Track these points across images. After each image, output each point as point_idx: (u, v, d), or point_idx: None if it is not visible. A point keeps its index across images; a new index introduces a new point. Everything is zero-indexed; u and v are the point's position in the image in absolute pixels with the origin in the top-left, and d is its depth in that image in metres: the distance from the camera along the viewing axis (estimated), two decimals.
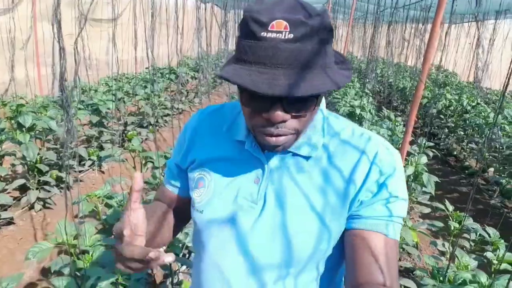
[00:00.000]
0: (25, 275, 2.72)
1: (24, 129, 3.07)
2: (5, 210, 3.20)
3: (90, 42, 5.70)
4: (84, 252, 1.75)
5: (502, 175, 4.19)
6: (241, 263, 0.78)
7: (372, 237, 0.73)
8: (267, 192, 0.78)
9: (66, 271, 1.70)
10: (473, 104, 5.42)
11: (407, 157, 2.76)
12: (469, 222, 2.40)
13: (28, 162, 3.29)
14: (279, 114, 0.67)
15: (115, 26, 4.99)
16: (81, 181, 4.09)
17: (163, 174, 2.61)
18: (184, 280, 2.44)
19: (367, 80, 6.21)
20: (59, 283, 1.51)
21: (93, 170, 4.40)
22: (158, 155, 2.45)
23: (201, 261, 0.85)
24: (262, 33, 0.63)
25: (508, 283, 1.29)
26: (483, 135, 4.48)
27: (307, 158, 0.79)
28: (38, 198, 3.34)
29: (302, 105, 0.68)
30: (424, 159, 2.71)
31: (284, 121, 0.69)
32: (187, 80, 7.78)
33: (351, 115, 4.55)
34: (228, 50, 6.55)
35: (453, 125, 5.78)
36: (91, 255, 1.73)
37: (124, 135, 4.90)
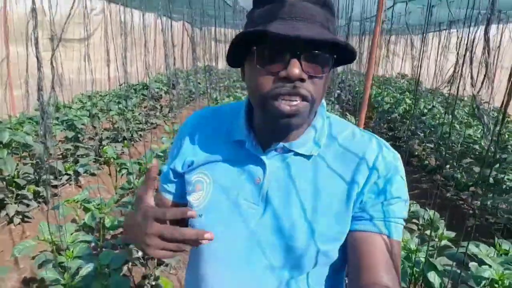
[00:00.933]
0: (6, 286, 2.83)
1: (1, 145, 3.20)
2: None
3: (62, 61, 5.84)
4: (66, 248, 1.92)
5: (457, 170, 4.55)
6: (245, 268, 0.77)
7: (375, 239, 0.73)
8: (269, 192, 0.77)
9: (49, 266, 1.86)
10: (429, 107, 5.84)
11: None
12: (417, 208, 2.69)
13: (6, 177, 3.40)
14: (297, 69, 0.66)
15: (87, 46, 5.18)
16: (58, 195, 4.20)
17: (137, 179, 2.80)
18: (161, 276, 2.61)
19: (331, 88, 6.57)
20: (44, 273, 1.68)
21: (70, 184, 4.51)
22: (131, 162, 2.64)
23: (199, 268, 0.83)
24: None
25: (427, 247, 1.56)
26: (437, 135, 4.86)
27: (308, 157, 0.78)
28: (17, 212, 3.44)
29: (318, 64, 0.68)
30: None
31: (301, 80, 0.67)
32: (161, 95, 7.97)
33: None
34: (198, 66, 6.79)
35: (413, 127, 6.18)
36: (72, 251, 1.90)
37: (99, 150, 5.04)
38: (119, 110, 5.38)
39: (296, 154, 0.78)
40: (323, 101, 0.81)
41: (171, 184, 0.92)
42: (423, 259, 1.69)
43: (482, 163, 3.51)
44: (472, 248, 1.64)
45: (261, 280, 0.76)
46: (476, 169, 3.87)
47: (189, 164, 0.86)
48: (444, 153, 5.07)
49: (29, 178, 3.71)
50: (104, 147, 4.84)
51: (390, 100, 6.92)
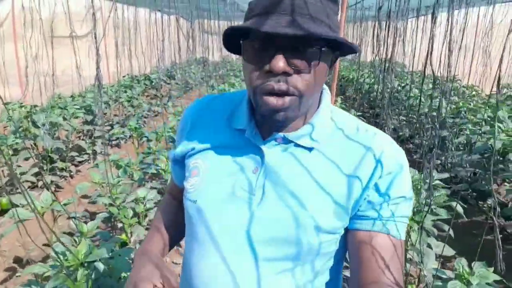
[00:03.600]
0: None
1: (38, 125, 3.88)
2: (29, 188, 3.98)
3: (64, 58, 6.39)
4: (111, 188, 2.62)
5: (424, 138, 5.30)
6: (238, 258, 0.75)
7: (379, 238, 0.72)
8: (266, 183, 0.75)
9: (103, 198, 2.57)
10: (403, 85, 6.57)
11: None
12: None
13: (41, 153, 4.08)
14: (281, 63, 0.65)
15: (98, 43, 5.78)
16: (80, 171, 4.90)
17: (155, 146, 3.50)
18: None
19: None
20: (102, 199, 2.38)
21: (89, 163, 5.20)
22: (150, 132, 3.33)
23: (192, 255, 0.81)
24: None
25: None
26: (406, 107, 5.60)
27: (309, 149, 0.76)
28: (51, 181, 4.12)
29: (304, 58, 0.67)
30: None
31: (286, 74, 0.66)
32: (161, 85, 8.61)
33: None
34: (192, 58, 7.42)
35: (386, 104, 6.91)
36: (116, 190, 2.61)
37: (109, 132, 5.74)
38: (128, 98, 6.05)
39: (297, 145, 0.77)
40: (328, 94, 0.82)
41: (177, 170, 0.95)
42: None
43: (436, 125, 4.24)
44: None
45: (254, 271, 0.74)
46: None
47: (190, 150, 0.86)
48: (415, 124, 5.81)
49: (59, 155, 4.39)
50: (130, 123, 5.54)
51: (370, 81, 7.64)
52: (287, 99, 0.68)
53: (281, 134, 0.76)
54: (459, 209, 2.14)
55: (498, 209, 3.44)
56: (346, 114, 0.83)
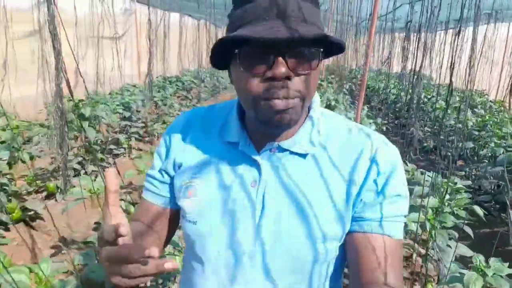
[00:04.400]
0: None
1: (84, 117, 4.19)
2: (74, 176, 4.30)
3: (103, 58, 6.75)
4: None
5: (449, 149, 5.38)
6: (243, 275, 0.75)
7: (376, 239, 0.72)
8: (266, 195, 0.74)
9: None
10: (429, 97, 6.65)
11: None
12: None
13: (83, 145, 4.40)
14: (283, 68, 0.64)
15: (150, 44, 6.07)
16: (115, 164, 5.21)
17: None
18: None
19: (344, 82, 7.44)
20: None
21: (124, 156, 5.51)
22: None
23: (195, 275, 0.81)
24: None
25: None
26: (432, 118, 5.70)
27: (304, 155, 0.76)
28: (92, 171, 4.43)
29: (304, 60, 0.66)
30: (373, 127, 3.88)
31: (289, 78, 0.65)
32: (191, 87, 8.96)
33: (327, 107, 5.76)
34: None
35: (414, 116, 7.00)
36: None
37: (145, 129, 6.06)
38: (162, 97, 6.37)
39: (291, 153, 0.76)
40: (318, 97, 0.81)
41: (159, 189, 0.86)
42: None
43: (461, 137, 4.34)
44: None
45: (260, 287, 0.75)
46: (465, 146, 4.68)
47: (179, 165, 0.82)
48: (439, 136, 5.89)
49: (101, 146, 4.72)
50: (153, 124, 5.86)
51: (397, 91, 7.74)
52: (291, 100, 0.67)
53: (275, 143, 0.75)
54: (479, 211, 2.28)
55: None
56: (337, 116, 0.83)
